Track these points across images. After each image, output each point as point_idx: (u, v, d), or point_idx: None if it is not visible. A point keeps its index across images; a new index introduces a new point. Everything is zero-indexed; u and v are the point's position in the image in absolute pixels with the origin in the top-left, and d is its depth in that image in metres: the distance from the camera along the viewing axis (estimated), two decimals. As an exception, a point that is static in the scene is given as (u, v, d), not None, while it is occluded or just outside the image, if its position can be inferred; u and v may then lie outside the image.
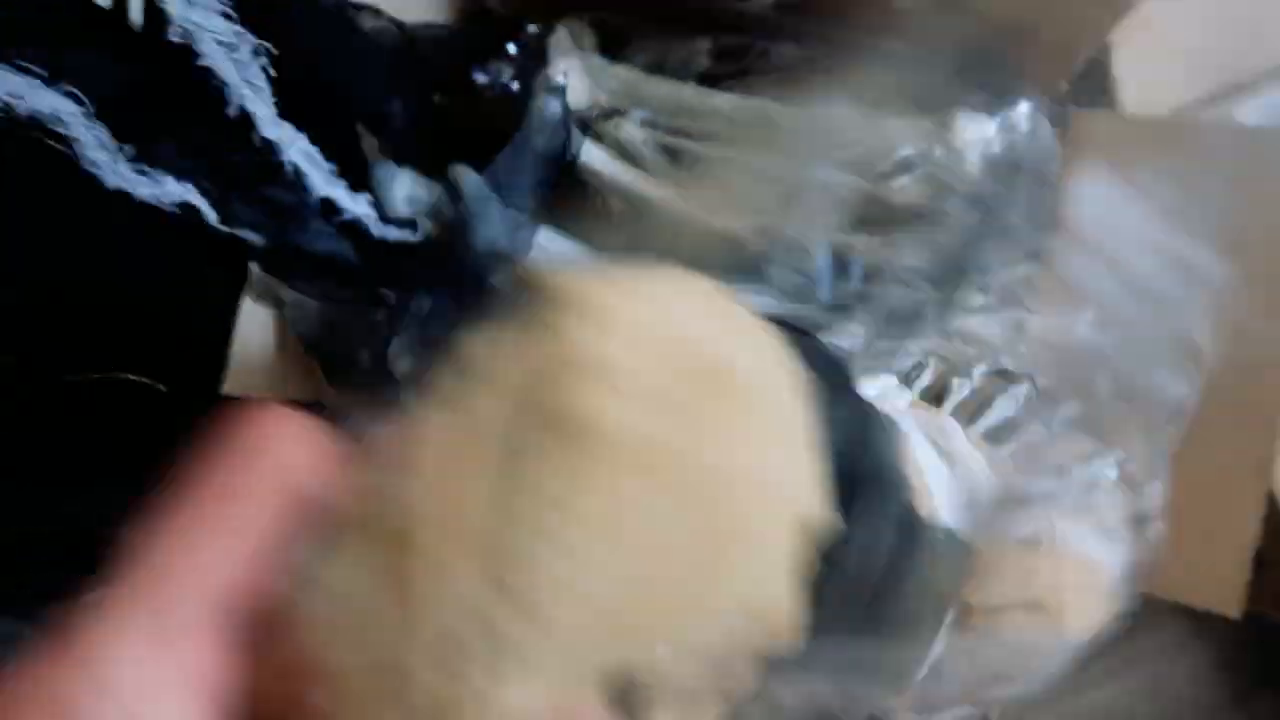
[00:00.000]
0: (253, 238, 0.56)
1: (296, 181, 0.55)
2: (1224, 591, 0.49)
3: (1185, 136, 0.64)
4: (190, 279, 0.60)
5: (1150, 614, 0.81)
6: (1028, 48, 0.59)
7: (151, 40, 0.52)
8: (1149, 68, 0.64)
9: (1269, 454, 0.51)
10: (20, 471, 0.48)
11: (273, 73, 0.53)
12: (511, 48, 0.62)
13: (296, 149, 0.55)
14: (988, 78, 0.60)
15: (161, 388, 0.55)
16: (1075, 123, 0.62)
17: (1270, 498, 0.68)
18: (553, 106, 0.62)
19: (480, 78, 0.61)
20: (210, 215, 0.56)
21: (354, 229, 0.56)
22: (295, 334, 0.58)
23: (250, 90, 0.52)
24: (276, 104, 0.54)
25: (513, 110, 0.63)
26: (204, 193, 0.57)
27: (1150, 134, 0.64)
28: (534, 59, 0.63)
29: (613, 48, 0.62)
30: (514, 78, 0.63)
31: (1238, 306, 0.49)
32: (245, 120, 0.54)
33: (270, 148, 0.55)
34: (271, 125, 0.55)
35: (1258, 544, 0.48)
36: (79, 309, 0.53)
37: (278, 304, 0.59)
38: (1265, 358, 0.51)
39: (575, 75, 0.62)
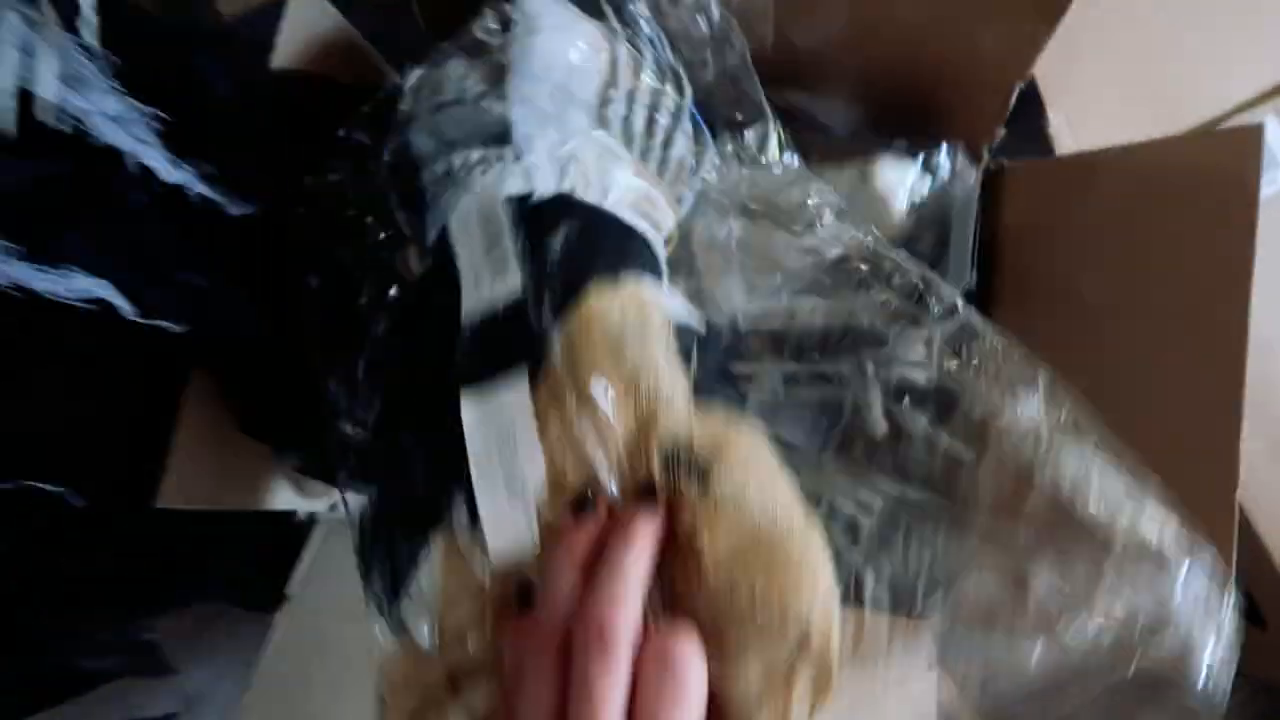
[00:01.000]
0: (173, 326, 0.53)
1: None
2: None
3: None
4: (109, 380, 0.56)
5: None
6: (952, 93, 0.58)
7: (36, 137, 0.50)
8: (1080, 105, 0.63)
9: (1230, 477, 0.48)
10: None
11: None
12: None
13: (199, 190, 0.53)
14: (907, 124, 0.58)
15: (77, 501, 0.51)
16: (1012, 173, 0.60)
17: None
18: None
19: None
20: (125, 308, 0.52)
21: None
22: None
23: (143, 147, 0.50)
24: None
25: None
26: (118, 285, 0.54)
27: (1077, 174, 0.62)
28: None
29: None
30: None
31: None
32: (146, 174, 0.52)
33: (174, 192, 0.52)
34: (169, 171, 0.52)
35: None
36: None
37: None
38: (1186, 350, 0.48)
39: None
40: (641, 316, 0.33)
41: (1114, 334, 0.54)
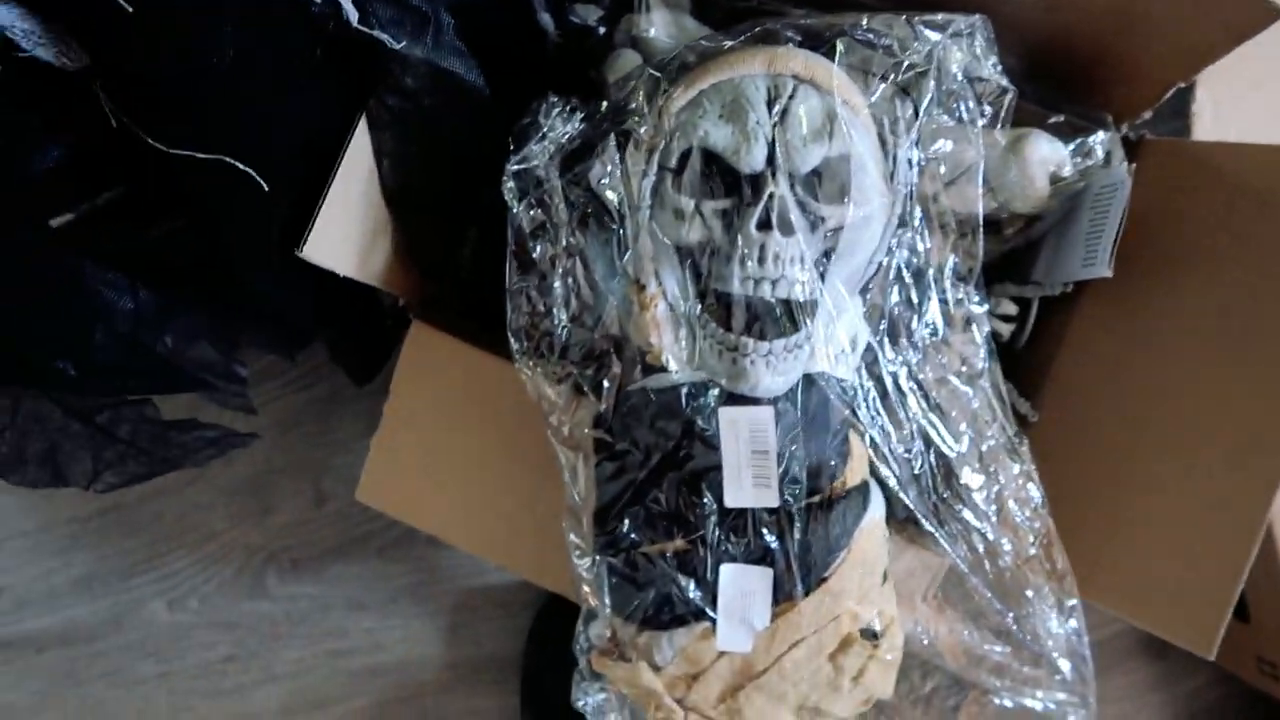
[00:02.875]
0: (389, 41, 0.47)
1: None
2: (1200, 632, 0.52)
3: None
4: (312, 81, 0.51)
5: (1124, 655, 0.86)
6: (1116, 69, 0.59)
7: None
8: (1230, 105, 0.64)
9: (1267, 499, 0.52)
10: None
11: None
12: (605, -8, 0.62)
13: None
14: (1068, 94, 0.60)
15: (263, 183, 0.48)
16: (1148, 148, 0.62)
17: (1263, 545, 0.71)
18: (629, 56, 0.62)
19: (571, 17, 0.61)
20: (350, 11, 0.47)
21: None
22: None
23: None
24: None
25: (594, 49, 0.64)
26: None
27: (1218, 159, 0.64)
28: (625, 5, 0.63)
29: (709, 15, 0.62)
30: (600, 21, 0.63)
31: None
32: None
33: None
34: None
35: (1242, 589, 0.50)
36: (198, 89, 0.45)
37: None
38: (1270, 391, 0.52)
39: (661, 29, 0.62)
40: None
41: (1197, 320, 0.58)
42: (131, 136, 0.39)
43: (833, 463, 0.53)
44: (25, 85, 0.38)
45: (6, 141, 0.38)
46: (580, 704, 0.62)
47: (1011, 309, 0.65)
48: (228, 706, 0.89)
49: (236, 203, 0.44)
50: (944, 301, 0.56)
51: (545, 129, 0.53)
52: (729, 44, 0.51)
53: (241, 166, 0.40)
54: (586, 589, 0.59)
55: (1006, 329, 0.66)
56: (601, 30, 0.63)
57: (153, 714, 0.89)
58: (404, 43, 0.45)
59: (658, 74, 0.52)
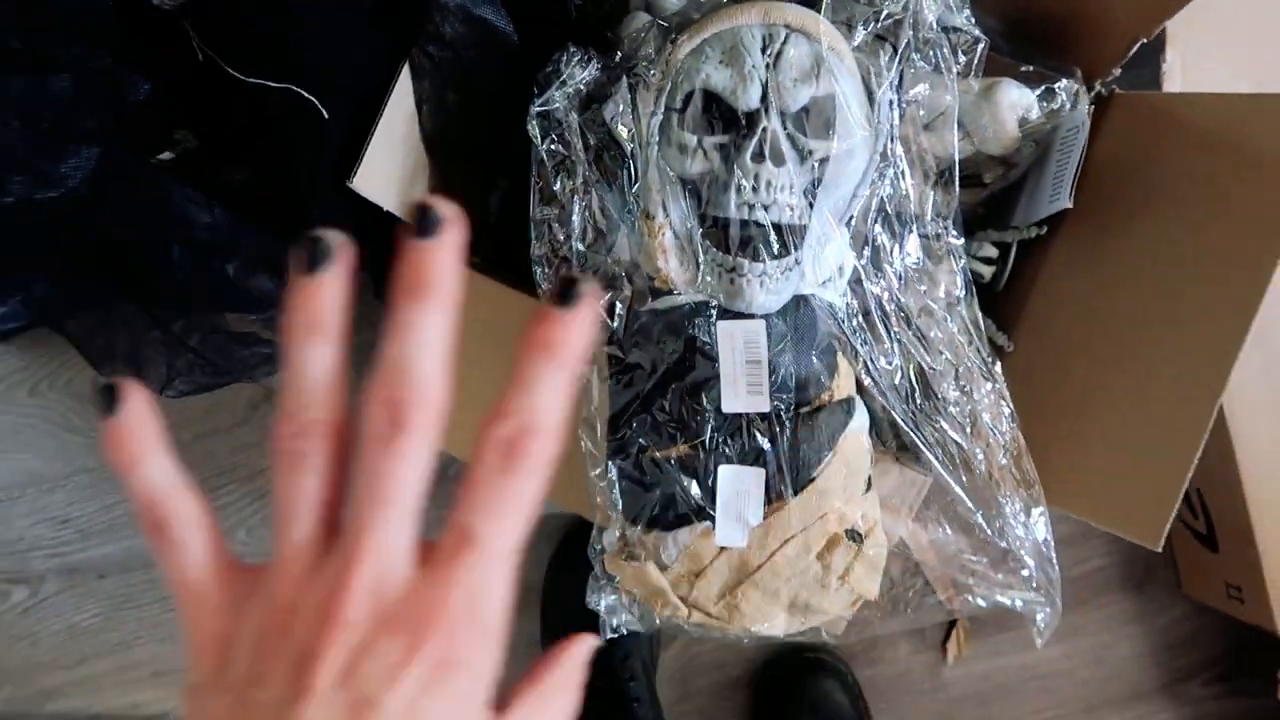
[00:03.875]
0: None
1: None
2: (1149, 527, 0.57)
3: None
4: (367, 26, 0.56)
5: (1102, 589, 0.92)
6: (1086, 27, 0.65)
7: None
8: (1198, 60, 0.70)
9: (1210, 407, 0.56)
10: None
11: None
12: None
13: None
14: (1043, 52, 0.66)
15: (323, 111, 0.54)
16: (1117, 102, 0.68)
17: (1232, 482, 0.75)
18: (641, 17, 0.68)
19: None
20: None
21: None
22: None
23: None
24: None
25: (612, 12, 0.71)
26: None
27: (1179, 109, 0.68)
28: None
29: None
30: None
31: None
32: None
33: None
34: None
35: (1187, 483, 0.55)
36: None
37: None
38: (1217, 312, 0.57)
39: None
40: None
41: (1154, 259, 0.63)
42: (213, 71, 0.47)
43: (821, 376, 0.60)
44: (123, 23, 0.45)
45: (112, 73, 0.45)
46: (594, 604, 0.68)
47: (992, 252, 0.71)
48: (272, 629, 0.96)
49: (299, 130, 0.51)
50: (924, 236, 0.62)
51: (565, 75, 0.59)
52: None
53: (306, 95, 0.47)
54: (599, 499, 0.66)
55: (988, 270, 0.71)
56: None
57: (203, 635, 0.97)
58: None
59: (665, 23, 0.58)
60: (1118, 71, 0.67)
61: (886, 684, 0.91)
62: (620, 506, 0.63)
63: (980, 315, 0.65)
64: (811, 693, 0.85)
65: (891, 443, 0.68)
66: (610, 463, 0.62)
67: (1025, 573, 0.62)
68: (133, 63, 0.45)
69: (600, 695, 0.82)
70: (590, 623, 0.87)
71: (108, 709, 0.98)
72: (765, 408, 0.58)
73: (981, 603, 0.65)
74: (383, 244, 0.74)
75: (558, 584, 0.92)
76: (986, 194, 0.70)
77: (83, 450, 0.96)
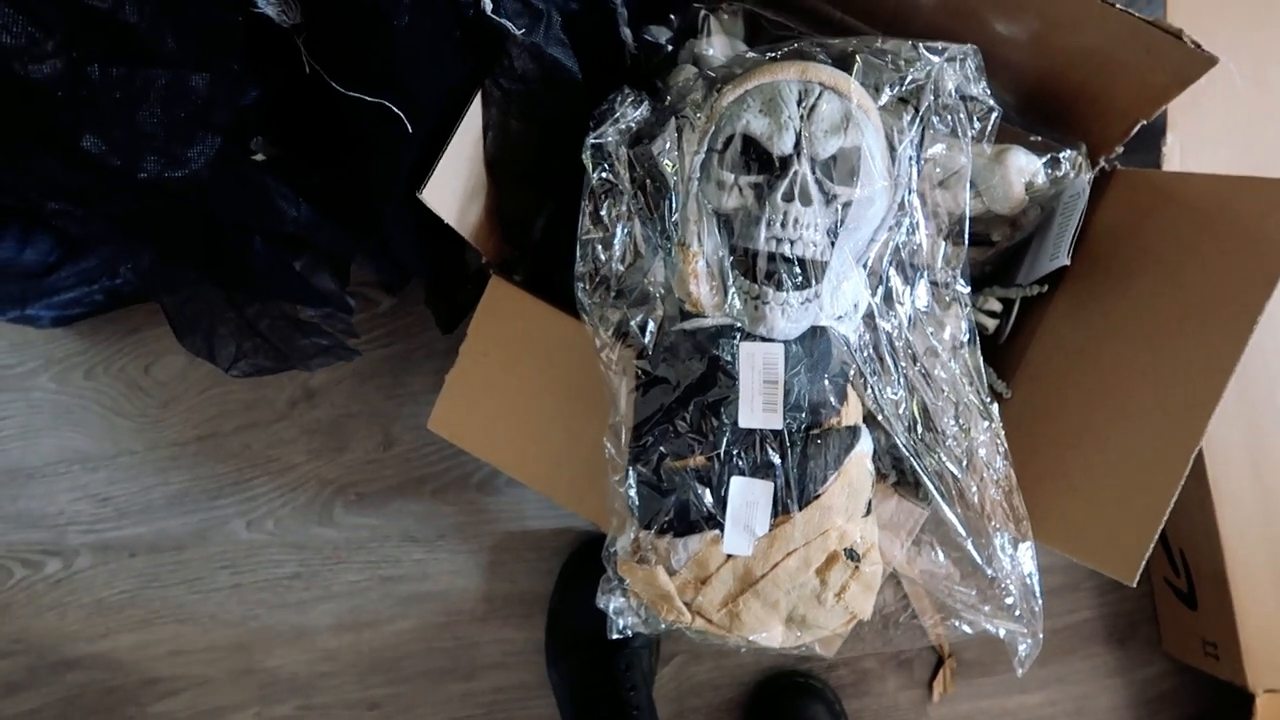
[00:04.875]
0: (511, 28, 0.58)
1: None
2: (1126, 563, 0.62)
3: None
4: (452, 54, 0.61)
5: (1087, 641, 0.95)
6: (1092, 107, 0.72)
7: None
8: (1197, 146, 0.76)
9: (1191, 445, 0.61)
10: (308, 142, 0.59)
11: None
12: (673, 18, 0.76)
13: None
14: (1051, 128, 0.72)
15: (409, 126, 0.59)
16: (1119, 177, 0.74)
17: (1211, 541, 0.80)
18: (689, 70, 0.76)
19: (645, 35, 0.75)
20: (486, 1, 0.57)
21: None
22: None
23: None
24: None
25: (661, 64, 0.78)
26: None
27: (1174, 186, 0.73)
28: (689, 30, 0.77)
29: (757, 37, 0.75)
30: (669, 40, 0.77)
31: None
32: None
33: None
34: None
35: (1163, 525, 0.60)
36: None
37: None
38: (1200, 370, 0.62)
39: (719, 51, 0.76)
40: None
41: (1143, 316, 0.69)
42: (316, 83, 0.53)
43: (831, 401, 0.65)
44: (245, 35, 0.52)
45: (231, 76, 0.51)
46: (603, 604, 0.73)
47: (996, 306, 0.77)
48: (289, 617, 1.01)
49: (382, 142, 0.58)
50: (934, 283, 0.68)
51: (619, 114, 0.66)
52: (770, 55, 0.64)
53: (396, 110, 0.54)
54: (618, 504, 0.71)
55: (991, 323, 0.77)
56: (669, 49, 0.77)
57: (223, 618, 1.01)
58: (523, 30, 0.58)
59: (713, 74, 0.65)
60: (1120, 150, 0.73)
61: (872, 716, 0.95)
62: (637, 511, 0.68)
63: (982, 362, 0.70)
64: (800, 715, 0.89)
65: (891, 475, 0.74)
66: (631, 469, 0.67)
67: (1010, 600, 0.67)
68: (249, 72, 0.52)
69: (603, 700, 0.86)
70: (592, 634, 0.92)
71: (124, 683, 1.02)
72: (779, 425, 0.63)
73: (967, 629, 0.69)
74: (437, 253, 0.81)
75: (565, 596, 0.97)
76: (993, 253, 0.76)
77: (129, 434, 1.02)
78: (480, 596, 1.00)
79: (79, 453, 1.02)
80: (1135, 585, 0.62)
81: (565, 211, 0.77)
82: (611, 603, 0.73)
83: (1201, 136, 0.78)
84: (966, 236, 0.67)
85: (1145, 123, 0.70)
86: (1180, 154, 0.78)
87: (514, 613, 0.99)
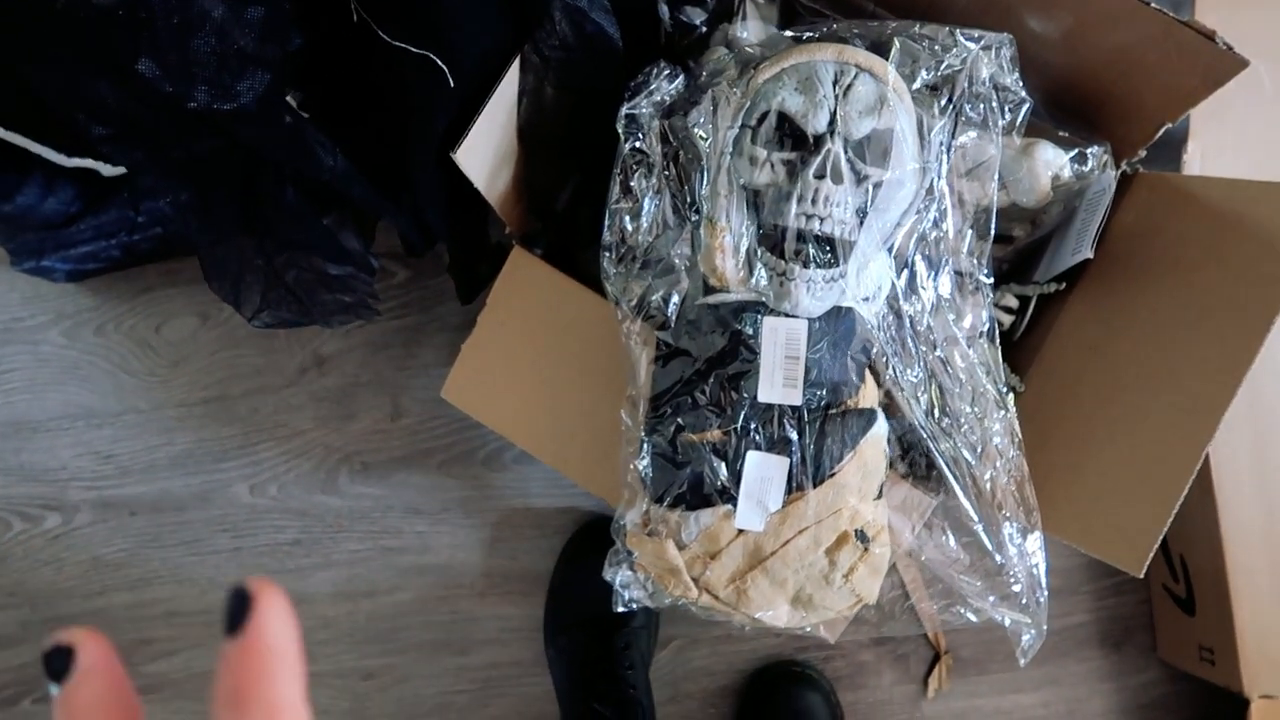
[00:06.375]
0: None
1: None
2: (1133, 556, 0.62)
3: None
4: (497, 14, 0.61)
5: (1082, 645, 0.96)
6: (1118, 109, 0.72)
7: None
8: (1217, 153, 0.77)
9: (1202, 443, 0.62)
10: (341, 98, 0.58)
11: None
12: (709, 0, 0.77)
13: None
14: (1078, 127, 0.73)
15: (450, 79, 0.59)
16: (1141, 180, 0.75)
17: (1212, 548, 0.80)
18: (722, 52, 0.76)
19: (681, 15, 0.76)
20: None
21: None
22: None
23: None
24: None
25: (695, 44, 0.79)
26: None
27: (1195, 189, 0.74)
28: (724, 13, 0.78)
29: (791, 24, 0.76)
30: (704, 22, 0.78)
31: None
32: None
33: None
34: None
35: (1171, 518, 0.61)
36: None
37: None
38: (1211, 368, 0.63)
39: (753, 34, 0.76)
40: None
41: (1159, 314, 0.69)
42: (361, 34, 0.54)
43: (852, 379, 0.65)
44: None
45: (283, 14, 0.52)
46: (610, 577, 0.73)
47: (1013, 302, 0.78)
48: (287, 583, 1.00)
49: (421, 96, 0.58)
50: (958, 272, 0.69)
51: (654, 86, 0.67)
52: (809, 36, 0.65)
53: (440, 63, 0.54)
54: (629, 477, 0.71)
55: (1008, 319, 0.78)
56: (703, 30, 0.77)
57: (221, 581, 1.01)
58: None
59: (750, 53, 0.66)
60: (1144, 153, 0.74)
61: (867, 709, 0.95)
62: (650, 482, 0.68)
63: (1001, 359, 0.71)
64: (795, 704, 0.89)
65: (901, 466, 0.74)
66: (646, 440, 0.68)
67: (1016, 589, 0.67)
68: (299, 15, 0.53)
69: (600, 677, 0.86)
70: (592, 613, 0.92)
71: (118, 642, 1.01)
72: (798, 401, 0.64)
73: (972, 617, 0.70)
74: (462, 219, 0.81)
75: (566, 574, 0.97)
76: (1012, 250, 0.77)
77: (136, 392, 1.02)
78: (480, 572, 1.00)
79: (85, 409, 1.02)
80: (1143, 576, 0.62)
81: (591, 186, 0.78)
82: (618, 575, 0.73)
83: (1221, 144, 0.79)
84: (992, 227, 0.68)
85: (1170, 126, 0.71)
86: (1201, 162, 0.79)
87: (513, 589, 0.99)
